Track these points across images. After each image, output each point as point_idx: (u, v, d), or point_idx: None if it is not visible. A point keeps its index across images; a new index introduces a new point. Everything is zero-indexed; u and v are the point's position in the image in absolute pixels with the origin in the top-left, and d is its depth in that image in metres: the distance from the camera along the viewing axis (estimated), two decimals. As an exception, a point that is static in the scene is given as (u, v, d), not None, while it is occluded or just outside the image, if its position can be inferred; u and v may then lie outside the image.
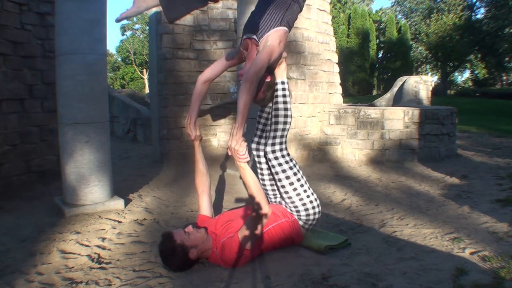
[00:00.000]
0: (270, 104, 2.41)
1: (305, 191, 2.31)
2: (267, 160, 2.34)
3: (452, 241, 2.45)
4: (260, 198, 2.08)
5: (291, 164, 2.31)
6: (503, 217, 2.88)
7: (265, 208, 2.07)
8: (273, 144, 2.29)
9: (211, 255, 2.13)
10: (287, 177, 2.29)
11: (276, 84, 2.34)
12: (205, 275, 2.04)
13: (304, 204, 2.30)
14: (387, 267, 2.09)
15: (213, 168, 4.73)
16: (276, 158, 2.28)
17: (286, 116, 2.32)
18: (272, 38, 2.09)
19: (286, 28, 2.15)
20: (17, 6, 3.69)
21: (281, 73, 2.37)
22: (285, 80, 2.38)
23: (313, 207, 2.33)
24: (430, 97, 9.22)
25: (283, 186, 2.31)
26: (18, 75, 3.74)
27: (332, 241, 2.39)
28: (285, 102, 2.33)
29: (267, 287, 1.90)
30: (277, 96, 2.34)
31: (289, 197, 2.31)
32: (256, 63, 2.00)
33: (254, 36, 2.13)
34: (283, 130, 2.32)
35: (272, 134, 2.31)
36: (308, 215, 2.32)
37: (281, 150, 2.30)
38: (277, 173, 2.31)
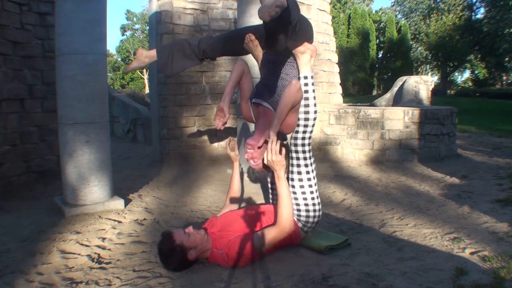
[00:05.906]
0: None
1: (311, 194, 2.30)
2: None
3: (452, 241, 2.45)
4: (290, 212, 2.14)
5: (310, 167, 2.28)
6: (503, 217, 2.88)
7: (291, 224, 2.15)
8: (303, 138, 2.24)
9: (211, 255, 2.13)
10: (300, 180, 2.28)
11: (300, 78, 2.21)
12: (205, 275, 2.04)
13: (306, 205, 2.30)
14: (387, 267, 2.09)
15: (213, 168, 4.72)
16: (296, 152, 2.25)
17: (315, 112, 2.24)
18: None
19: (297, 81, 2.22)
20: (17, 6, 3.69)
21: (305, 66, 2.19)
22: (310, 75, 2.22)
23: (314, 210, 2.32)
24: (430, 97, 9.22)
25: (293, 186, 2.30)
26: (18, 75, 3.74)
27: (332, 241, 2.39)
28: (314, 98, 2.24)
29: (267, 287, 1.90)
30: (307, 92, 2.19)
31: (295, 198, 2.30)
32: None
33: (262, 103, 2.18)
34: (313, 126, 2.25)
35: (302, 129, 2.24)
36: (308, 216, 2.32)
37: (304, 151, 2.25)
38: (292, 172, 2.28)
